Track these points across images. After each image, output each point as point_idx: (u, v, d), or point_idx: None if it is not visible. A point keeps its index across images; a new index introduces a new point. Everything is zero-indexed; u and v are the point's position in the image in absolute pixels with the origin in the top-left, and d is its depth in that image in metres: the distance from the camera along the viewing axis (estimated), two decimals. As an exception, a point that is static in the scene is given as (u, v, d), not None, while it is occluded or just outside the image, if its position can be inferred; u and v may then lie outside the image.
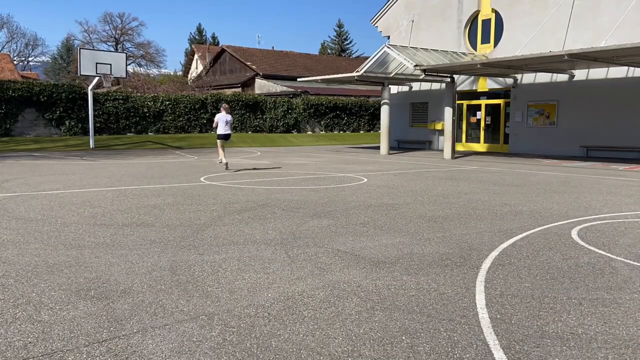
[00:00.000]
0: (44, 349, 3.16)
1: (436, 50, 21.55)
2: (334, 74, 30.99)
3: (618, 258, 5.29)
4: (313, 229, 6.64)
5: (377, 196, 9.49)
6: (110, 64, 23.45)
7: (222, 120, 14.02)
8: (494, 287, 4.36)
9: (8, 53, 58.18)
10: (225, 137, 14.18)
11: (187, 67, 58.20)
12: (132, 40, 61.17)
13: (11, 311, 3.77)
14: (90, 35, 59.38)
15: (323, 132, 35.53)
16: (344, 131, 36.41)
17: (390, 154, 21.95)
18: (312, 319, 3.65)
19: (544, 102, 20.92)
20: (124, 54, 27.36)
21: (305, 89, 36.30)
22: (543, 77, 20.88)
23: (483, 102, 23.37)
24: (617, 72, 18.64)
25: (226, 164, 14.09)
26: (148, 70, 55.56)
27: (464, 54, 22.30)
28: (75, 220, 7.15)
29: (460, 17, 23.39)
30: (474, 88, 23.49)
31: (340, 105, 35.98)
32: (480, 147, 23.53)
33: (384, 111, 22.07)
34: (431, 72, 19.52)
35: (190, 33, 79.27)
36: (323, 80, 25.38)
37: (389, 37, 26.38)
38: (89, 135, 24.94)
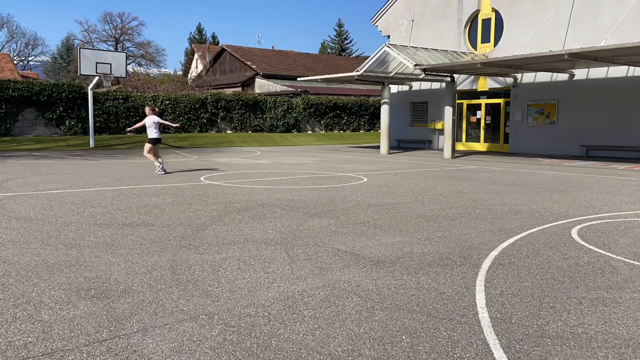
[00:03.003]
0: (44, 348, 3.16)
1: (436, 50, 21.54)
2: (334, 74, 30.98)
3: (618, 257, 5.28)
4: (313, 228, 6.64)
5: (377, 195, 9.49)
6: (110, 64, 23.46)
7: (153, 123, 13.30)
8: (494, 287, 4.36)
9: (8, 53, 58.21)
10: (156, 141, 13.41)
11: (187, 67, 58.16)
12: (132, 39, 61.35)
13: (11, 311, 3.77)
14: (90, 35, 59.51)
15: (323, 131, 35.50)
16: (344, 131, 36.38)
17: (390, 153, 21.95)
18: (312, 319, 3.65)
19: (544, 102, 20.92)
20: (124, 54, 27.37)
21: (305, 89, 36.27)
22: (543, 77, 20.87)
23: (483, 101, 23.37)
24: (617, 71, 18.63)
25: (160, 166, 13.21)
26: (148, 70, 55.56)
27: (464, 53, 22.29)
28: (75, 219, 7.15)
29: (460, 17, 23.38)
30: (474, 87, 23.48)
31: (340, 104, 35.94)
32: (480, 146, 23.53)
33: (384, 111, 22.06)
34: (431, 72, 19.52)
35: (190, 33, 79.32)
36: (323, 80, 25.37)
37: (389, 37, 26.38)
38: (89, 134, 24.93)
